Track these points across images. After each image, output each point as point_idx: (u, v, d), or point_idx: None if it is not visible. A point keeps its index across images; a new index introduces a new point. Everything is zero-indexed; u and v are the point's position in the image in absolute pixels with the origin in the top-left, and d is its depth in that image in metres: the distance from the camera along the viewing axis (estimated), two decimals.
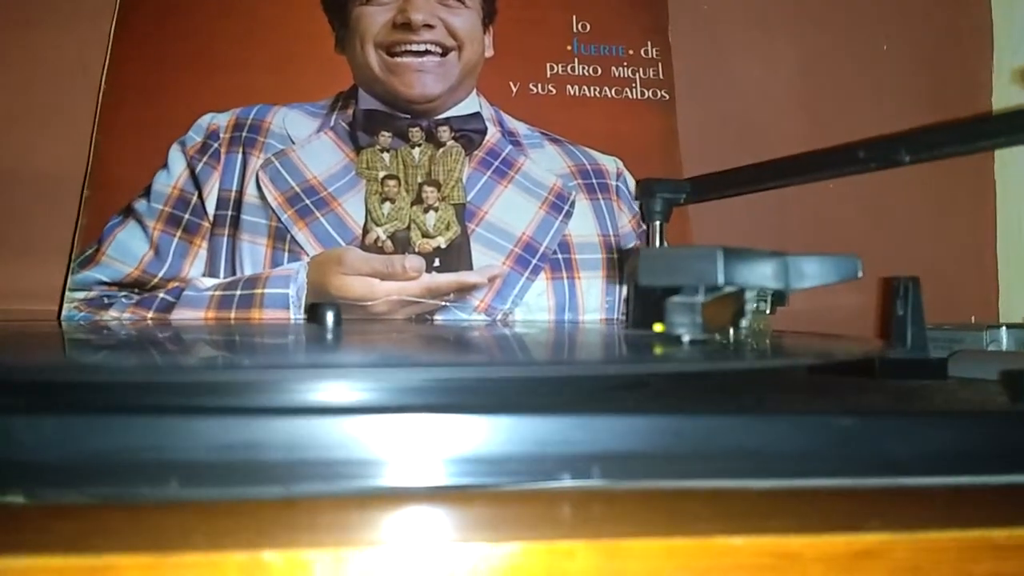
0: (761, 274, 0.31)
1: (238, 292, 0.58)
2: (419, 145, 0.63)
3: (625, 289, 0.62)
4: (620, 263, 0.63)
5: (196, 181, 0.60)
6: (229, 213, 0.60)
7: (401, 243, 0.60)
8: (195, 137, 0.61)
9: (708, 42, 0.73)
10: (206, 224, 0.59)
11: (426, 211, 0.61)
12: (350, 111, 0.63)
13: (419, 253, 0.60)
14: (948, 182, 0.73)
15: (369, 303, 0.59)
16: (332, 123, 0.63)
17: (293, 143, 0.62)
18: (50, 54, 0.64)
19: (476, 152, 0.63)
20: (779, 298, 0.36)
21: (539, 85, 0.66)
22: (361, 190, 0.61)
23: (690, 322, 0.29)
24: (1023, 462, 0.23)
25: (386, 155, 0.62)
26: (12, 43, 0.63)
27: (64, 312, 0.57)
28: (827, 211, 0.72)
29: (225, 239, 0.59)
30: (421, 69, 0.64)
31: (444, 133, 0.63)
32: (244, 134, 0.61)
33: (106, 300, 0.57)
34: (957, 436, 0.23)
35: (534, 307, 0.61)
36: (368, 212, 0.61)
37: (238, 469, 0.21)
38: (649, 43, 0.68)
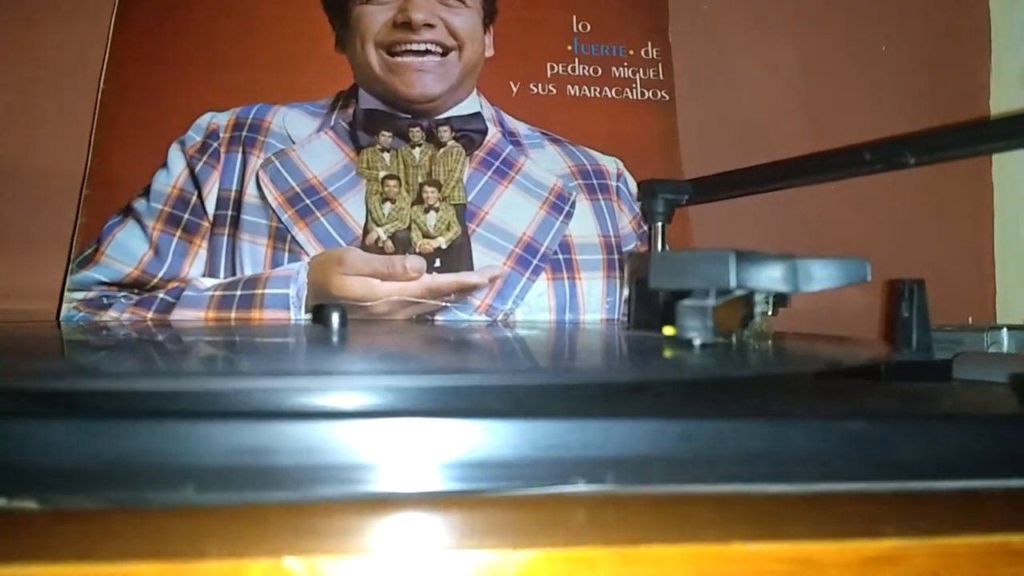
0: (770, 277, 0.31)
1: (238, 292, 0.58)
2: (420, 145, 0.63)
3: (627, 290, 0.62)
4: (621, 264, 0.63)
5: (196, 181, 0.60)
6: (229, 213, 0.59)
7: (402, 243, 0.60)
8: (195, 136, 0.61)
9: (708, 43, 0.73)
10: (206, 224, 0.59)
11: (427, 211, 0.61)
12: (350, 110, 0.63)
13: (420, 253, 0.60)
14: (946, 184, 0.73)
15: (370, 303, 0.58)
16: (332, 123, 0.63)
17: (293, 143, 0.62)
18: (49, 52, 0.63)
19: (477, 152, 0.63)
20: (781, 299, 0.36)
21: (539, 85, 0.66)
22: (361, 190, 0.61)
23: (701, 326, 0.29)
24: None
25: (387, 155, 0.62)
26: (11, 41, 0.63)
27: (63, 312, 0.56)
28: (827, 212, 0.72)
29: (225, 239, 0.59)
30: (421, 69, 0.64)
31: (445, 133, 0.63)
32: (244, 133, 0.61)
33: (105, 300, 0.57)
34: (971, 440, 0.23)
35: (535, 308, 0.61)
36: (368, 212, 0.61)
37: (255, 474, 0.21)
38: (649, 43, 0.68)
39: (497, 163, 0.63)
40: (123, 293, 0.57)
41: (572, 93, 0.67)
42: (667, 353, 0.29)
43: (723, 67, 0.73)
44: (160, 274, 0.58)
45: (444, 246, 0.61)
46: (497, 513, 0.21)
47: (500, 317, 0.60)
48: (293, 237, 0.59)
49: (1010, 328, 0.49)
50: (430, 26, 0.64)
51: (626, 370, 0.26)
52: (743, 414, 0.24)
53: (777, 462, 0.23)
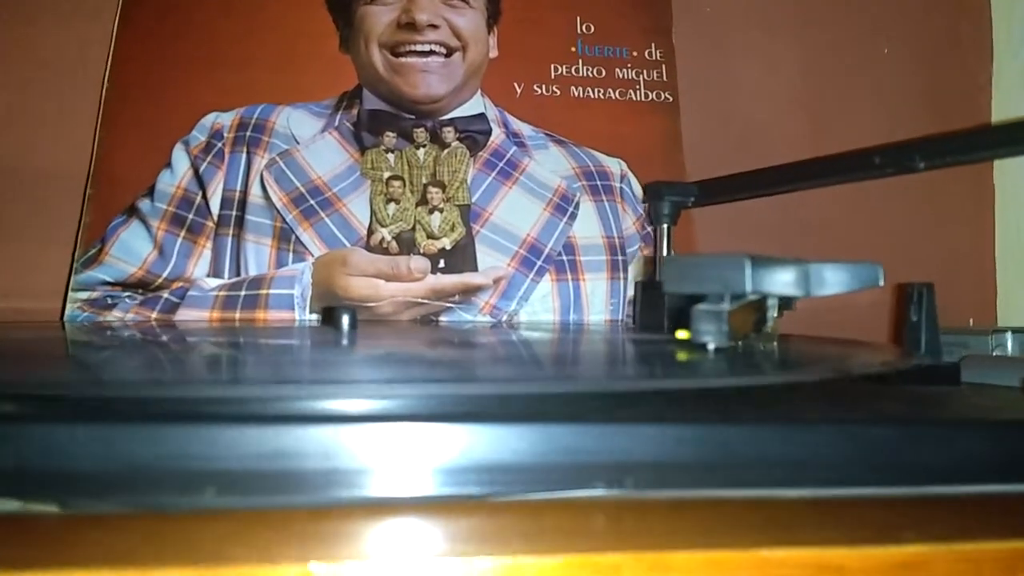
0: (783, 281, 0.31)
1: (243, 293, 0.58)
2: (424, 146, 0.63)
3: (631, 291, 0.62)
4: (625, 265, 0.63)
5: (200, 181, 0.60)
6: (233, 213, 0.59)
7: (406, 244, 0.60)
8: (199, 136, 0.61)
9: (711, 44, 0.73)
10: (210, 224, 0.59)
11: (431, 212, 0.61)
12: (354, 111, 0.63)
13: (424, 254, 0.60)
14: (948, 187, 0.74)
15: (374, 304, 0.58)
16: (336, 123, 0.63)
17: (297, 143, 0.61)
18: (52, 52, 0.63)
19: (481, 153, 0.63)
20: (786, 303, 0.36)
21: (543, 86, 0.66)
22: (366, 191, 0.61)
23: (716, 330, 0.29)
24: None
25: (391, 155, 0.62)
26: (13, 41, 0.63)
27: (67, 312, 0.56)
28: (828, 215, 0.72)
29: (229, 239, 0.59)
30: (426, 69, 0.64)
31: (449, 134, 0.63)
32: (248, 134, 0.61)
33: (109, 300, 0.57)
34: (991, 445, 0.23)
35: (539, 309, 0.61)
36: (373, 213, 0.61)
37: (279, 478, 0.21)
38: (653, 45, 0.69)
39: (501, 164, 0.63)
40: (127, 293, 0.57)
41: (576, 94, 0.67)
42: (684, 357, 0.29)
43: (726, 69, 0.73)
44: (164, 274, 0.58)
45: (448, 247, 0.61)
46: (521, 518, 0.22)
47: (504, 318, 0.60)
48: (297, 237, 0.59)
49: (1015, 331, 0.50)
50: (434, 27, 0.64)
51: (658, 378, 0.26)
52: (761, 419, 0.24)
53: (797, 467, 0.23)
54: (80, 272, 0.57)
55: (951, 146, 0.40)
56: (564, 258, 0.62)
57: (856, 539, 0.21)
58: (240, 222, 0.59)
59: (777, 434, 0.23)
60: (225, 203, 0.59)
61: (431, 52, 0.64)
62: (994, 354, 0.49)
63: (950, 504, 0.23)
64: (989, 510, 0.23)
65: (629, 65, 0.68)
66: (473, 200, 0.62)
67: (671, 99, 0.67)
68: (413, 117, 0.63)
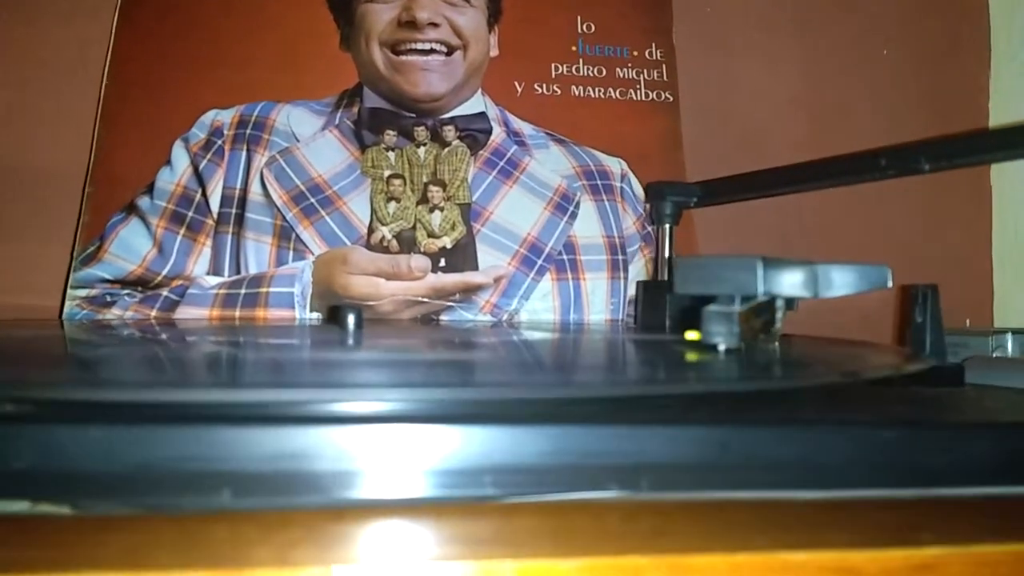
0: (792, 283, 0.31)
1: (243, 291, 0.58)
2: (424, 144, 0.63)
3: (631, 290, 0.62)
4: (625, 264, 0.63)
5: (200, 178, 0.59)
6: (233, 211, 0.59)
7: (407, 243, 0.60)
8: (199, 134, 0.61)
9: (711, 44, 0.73)
10: (210, 222, 0.59)
11: (431, 211, 0.61)
12: (355, 109, 0.63)
13: (425, 253, 0.60)
14: (946, 188, 0.74)
15: (374, 303, 0.58)
16: (337, 121, 0.62)
17: (298, 141, 0.61)
18: (51, 51, 0.63)
19: (481, 152, 0.63)
20: (790, 303, 0.36)
21: (544, 85, 0.66)
22: (366, 189, 0.61)
23: (727, 331, 0.29)
24: None
25: (391, 154, 0.62)
26: (13, 40, 0.62)
27: (66, 310, 0.56)
28: (826, 215, 0.72)
29: (229, 237, 0.59)
30: (426, 68, 0.63)
31: (449, 132, 0.63)
32: (248, 131, 0.61)
33: (108, 298, 0.57)
34: (1007, 447, 0.23)
35: (539, 308, 0.61)
36: (373, 211, 0.60)
37: (294, 479, 0.21)
38: (653, 45, 0.69)
39: (502, 163, 0.63)
40: (126, 291, 0.57)
41: (576, 94, 0.67)
42: (696, 358, 0.30)
43: (726, 69, 0.73)
44: (164, 272, 0.57)
45: (449, 246, 0.61)
46: (541, 520, 0.21)
47: (505, 317, 0.60)
48: (298, 236, 0.59)
49: (1015, 332, 0.50)
50: (435, 25, 0.64)
51: (682, 384, 0.26)
52: (776, 421, 0.24)
53: (812, 469, 0.23)
54: (79, 270, 0.57)
55: (956, 148, 0.40)
56: (564, 257, 0.62)
57: (873, 541, 0.21)
58: (240, 220, 0.59)
59: (793, 436, 0.23)
60: (225, 201, 0.59)
61: (432, 50, 0.64)
62: (994, 355, 0.49)
63: (967, 506, 0.23)
64: (1006, 512, 0.23)
65: (629, 65, 0.68)
66: (474, 199, 0.62)
67: (671, 99, 0.68)
68: (414, 115, 0.63)
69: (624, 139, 0.66)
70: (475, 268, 0.61)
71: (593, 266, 0.63)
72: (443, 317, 0.60)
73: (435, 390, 0.23)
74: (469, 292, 0.60)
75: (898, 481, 0.23)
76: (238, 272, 0.58)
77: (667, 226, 0.58)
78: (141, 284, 0.57)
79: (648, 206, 0.63)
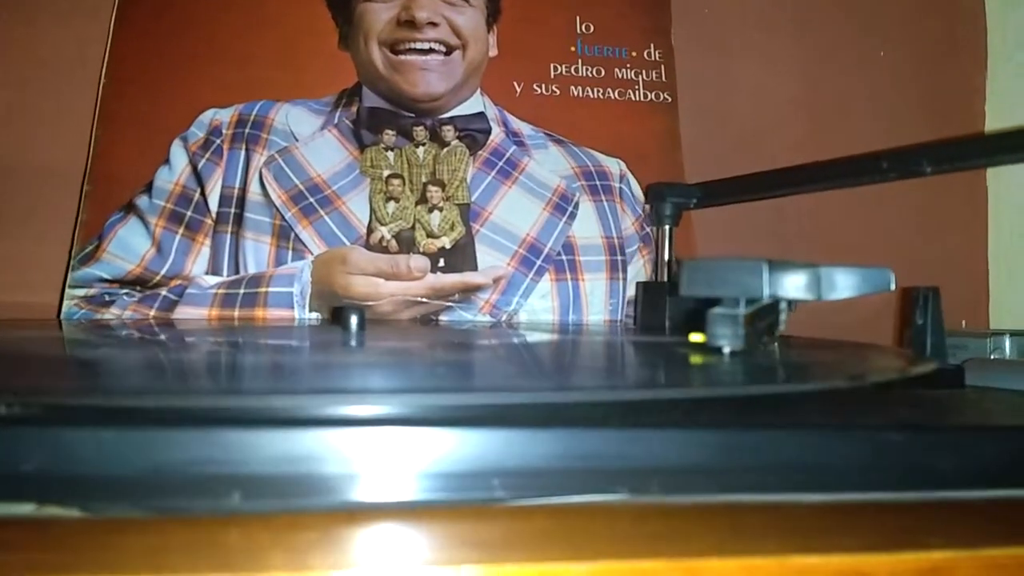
0: (797, 285, 0.31)
1: (242, 291, 0.57)
2: (423, 144, 0.63)
3: (630, 291, 0.62)
4: (624, 265, 0.63)
5: (199, 178, 0.59)
6: (232, 210, 0.59)
7: (406, 243, 0.60)
8: (197, 133, 0.60)
9: (709, 45, 0.73)
10: (209, 221, 0.59)
11: (431, 211, 0.61)
12: (354, 108, 0.63)
13: (424, 253, 0.60)
14: (942, 190, 0.74)
15: (373, 303, 0.58)
16: (336, 120, 0.62)
17: (297, 140, 0.61)
18: (50, 50, 0.63)
19: (480, 152, 0.63)
20: (791, 305, 0.36)
21: (543, 86, 0.66)
22: (365, 189, 0.61)
23: (732, 334, 0.29)
24: None
25: (390, 154, 0.62)
26: (11, 39, 0.62)
27: (64, 309, 0.56)
28: (823, 217, 0.73)
29: (228, 237, 0.58)
30: (425, 67, 0.63)
31: (448, 132, 0.63)
32: (247, 130, 0.61)
33: (107, 298, 0.56)
34: (1016, 450, 0.23)
35: (538, 308, 0.61)
36: (372, 211, 0.60)
37: (305, 482, 0.21)
38: (652, 45, 0.69)
39: (501, 163, 0.63)
40: (125, 290, 0.57)
41: (575, 94, 0.67)
42: (702, 360, 0.30)
43: (724, 69, 0.73)
44: (163, 271, 0.57)
45: (448, 246, 0.61)
46: (551, 523, 0.21)
47: (504, 318, 0.60)
48: (297, 235, 0.59)
49: (1013, 334, 0.50)
50: (434, 24, 0.64)
51: (695, 388, 0.26)
52: (781, 424, 0.24)
53: (820, 472, 0.23)
54: (77, 269, 0.57)
55: (958, 151, 0.40)
56: (563, 258, 0.62)
57: (884, 545, 0.21)
58: (239, 219, 0.59)
59: (800, 439, 0.24)
60: (224, 200, 0.59)
61: (431, 50, 0.64)
62: (992, 357, 0.50)
63: (976, 510, 0.23)
64: (1015, 516, 0.23)
65: (628, 65, 0.68)
66: (473, 199, 0.62)
67: (670, 99, 0.68)
68: (413, 115, 0.63)
69: (623, 139, 0.66)
70: (474, 268, 0.61)
71: (592, 267, 0.63)
72: (442, 317, 0.60)
73: (446, 394, 0.23)
74: (468, 292, 0.60)
75: (906, 484, 0.23)
76: (237, 272, 0.58)
77: (667, 227, 0.58)
78: (140, 284, 0.57)
79: (647, 207, 0.64)
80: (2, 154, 0.61)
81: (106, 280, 0.57)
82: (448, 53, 0.64)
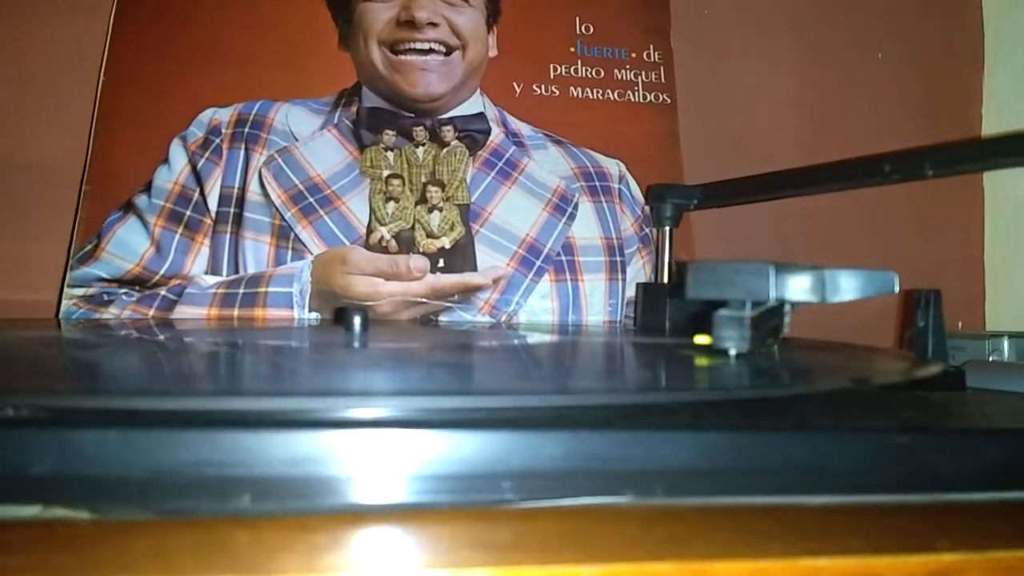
0: (801, 288, 0.32)
1: (241, 291, 0.57)
2: (423, 144, 0.63)
3: (629, 292, 0.62)
4: (623, 266, 0.63)
5: (198, 177, 0.59)
6: (232, 210, 0.59)
7: (405, 243, 0.60)
8: (196, 132, 0.60)
9: (708, 47, 0.73)
10: (208, 221, 0.58)
11: (430, 211, 0.61)
12: (354, 108, 0.63)
13: (423, 253, 0.60)
14: (938, 192, 0.75)
15: (373, 303, 0.58)
16: (335, 120, 0.62)
17: (296, 140, 0.61)
18: (48, 47, 0.62)
19: (480, 152, 0.63)
20: (792, 307, 0.36)
21: (542, 86, 0.66)
22: (365, 189, 0.61)
23: (739, 336, 0.29)
24: None
25: (390, 154, 0.62)
26: (10, 36, 0.62)
27: (63, 309, 0.56)
28: (820, 219, 0.73)
29: (228, 236, 0.58)
30: (425, 68, 0.63)
31: (448, 133, 0.63)
32: (247, 130, 0.61)
33: (106, 297, 0.56)
34: (1020, 452, 0.23)
35: (538, 309, 0.61)
36: (372, 211, 0.60)
37: (316, 484, 0.21)
38: (651, 46, 0.69)
39: (500, 164, 0.63)
40: (124, 290, 0.57)
41: (574, 95, 0.67)
42: (708, 363, 0.30)
43: (723, 71, 0.74)
44: (162, 271, 0.57)
45: (448, 246, 0.61)
46: (559, 526, 0.21)
47: (503, 318, 0.60)
48: (296, 235, 0.59)
49: (1011, 336, 0.50)
50: (434, 25, 0.64)
51: (697, 388, 0.26)
52: (788, 426, 0.24)
53: (825, 474, 0.23)
54: (76, 268, 0.56)
55: (960, 154, 0.40)
56: (563, 258, 0.62)
57: (892, 548, 0.21)
58: (238, 219, 0.59)
59: (806, 441, 0.24)
60: (223, 200, 0.59)
61: (431, 50, 0.64)
62: (991, 359, 0.50)
63: (983, 512, 0.23)
64: (1022, 518, 0.23)
65: (628, 66, 0.68)
66: (472, 199, 0.62)
67: (669, 100, 0.68)
68: (412, 115, 0.63)
69: (622, 140, 0.66)
70: (474, 269, 0.61)
71: (591, 267, 0.63)
72: (442, 318, 0.60)
73: (457, 397, 0.23)
74: (468, 293, 0.60)
75: (914, 487, 0.23)
76: (236, 272, 0.58)
77: (667, 228, 0.58)
78: (139, 283, 0.57)
79: (647, 208, 0.64)
80: (1, 153, 0.61)
81: (105, 279, 0.57)
82: (448, 53, 0.64)
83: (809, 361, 0.34)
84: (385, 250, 0.60)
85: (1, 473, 0.22)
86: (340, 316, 0.54)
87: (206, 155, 0.60)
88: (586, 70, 0.67)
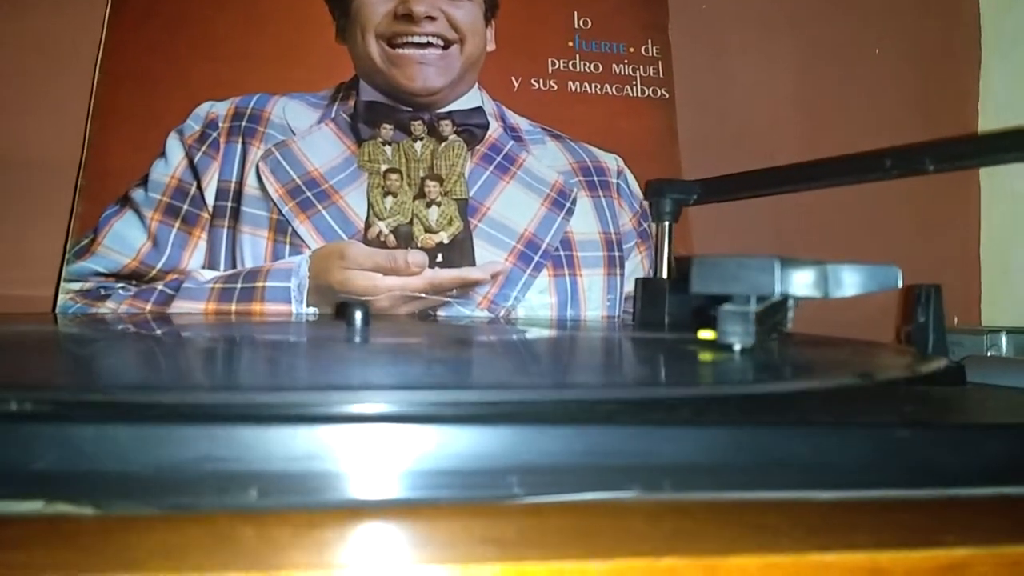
0: (804, 283, 0.31)
1: (239, 285, 0.57)
2: (421, 139, 0.62)
3: (628, 287, 0.62)
4: (621, 261, 0.63)
5: (195, 171, 0.59)
6: (229, 204, 0.59)
7: (404, 238, 0.60)
8: (193, 126, 0.60)
9: (707, 42, 0.73)
10: (205, 215, 0.58)
11: (428, 206, 0.61)
12: (351, 102, 0.62)
13: (422, 248, 0.60)
14: (935, 187, 0.75)
15: (371, 298, 0.58)
16: (333, 114, 0.62)
17: (294, 134, 0.61)
18: (44, 41, 0.62)
19: (478, 147, 0.63)
20: (795, 302, 0.36)
21: (541, 81, 0.66)
22: (363, 183, 0.60)
23: (743, 331, 0.29)
24: None
25: (388, 148, 0.62)
26: (5, 29, 0.61)
27: (59, 303, 0.55)
28: (817, 215, 0.73)
29: (225, 231, 0.58)
30: (423, 61, 0.63)
31: (446, 127, 0.63)
32: (244, 124, 0.60)
33: (103, 291, 0.56)
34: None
35: (536, 304, 0.61)
36: (370, 206, 0.60)
37: (322, 479, 0.21)
38: (649, 41, 0.69)
39: (498, 158, 0.63)
40: (120, 284, 0.56)
41: (573, 89, 0.67)
42: (713, 358, 0.30)
43: (721, 66, 0.74)
44: (159, 265, 0.57)
45: (446, 241, 0.61)
46: (566, 521, 0.21)
47: (502, 313, 0.60)
48: (294, 230, 0.59)
49: (1009, 331, 0.50)
50: (431, 18, 0.63)
51: (714, 386, 0.26)
52: (792, 421, 0.24)
53: (830, 469, 0.23)
54: (72, 263, 0.56)
55: (961, 150, 0.40)
56: (561, 253, 0.62)
57: (899, 543, 0.21)
58: (236, 213, 0.58)
59: (811, 436, 0.24)
60: (220, 194, 0.59)
61: (428, 44, 0.63)
62: (989, 354, 0.50)
63: (990, 507, 0.23)
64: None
65: (626, 61, 0.68)
66: (471, 194, 0.62)
67: (667, 95, 0.68)
68: (410, 109, 0.63)
69: (620, 135, 0.66)
70: (472, 263, 0.60)
71: (590, 262, 0.63)
72: (440, 313, 0.60)
73: (465, 391, 0.23)
74: (466, 288, 0.60)
75: (921, 482, 0.23)
76: (234, 266, 0.58)
77: (666, 223, 0.58)
78: (135, 278, 0.57)
79: (645, 203, 0.64)
80: None
81: (102, 274, 0.56)
82: (446, 47, 0.64)
83: (813, 357, 0.34)
84: (383, 245, 0.59)
85: (3, 468, 0.21)
86: (339, 311, 0.54)
87: (203, 149, 0.59)
88: (584, 65, 0.67)
